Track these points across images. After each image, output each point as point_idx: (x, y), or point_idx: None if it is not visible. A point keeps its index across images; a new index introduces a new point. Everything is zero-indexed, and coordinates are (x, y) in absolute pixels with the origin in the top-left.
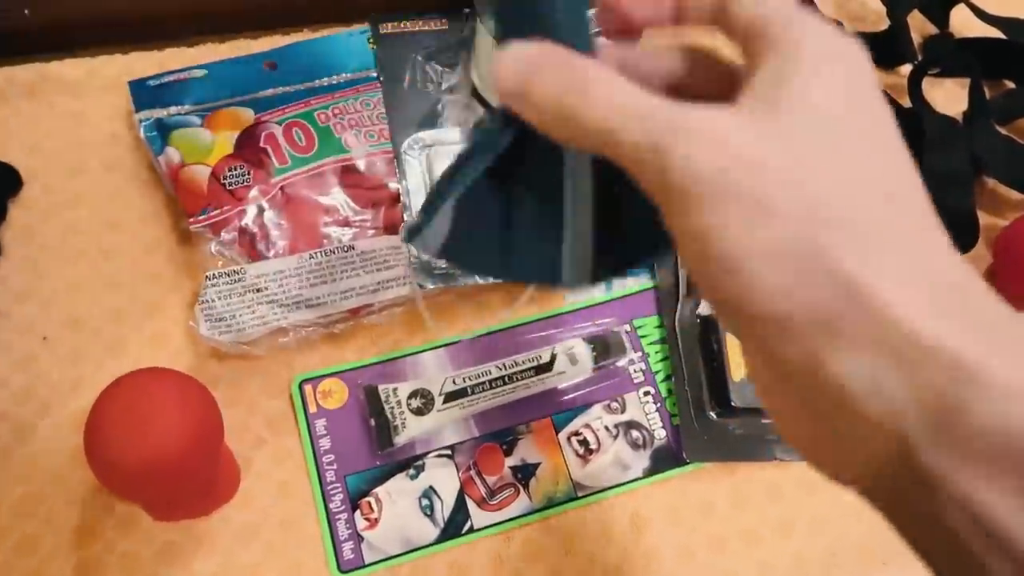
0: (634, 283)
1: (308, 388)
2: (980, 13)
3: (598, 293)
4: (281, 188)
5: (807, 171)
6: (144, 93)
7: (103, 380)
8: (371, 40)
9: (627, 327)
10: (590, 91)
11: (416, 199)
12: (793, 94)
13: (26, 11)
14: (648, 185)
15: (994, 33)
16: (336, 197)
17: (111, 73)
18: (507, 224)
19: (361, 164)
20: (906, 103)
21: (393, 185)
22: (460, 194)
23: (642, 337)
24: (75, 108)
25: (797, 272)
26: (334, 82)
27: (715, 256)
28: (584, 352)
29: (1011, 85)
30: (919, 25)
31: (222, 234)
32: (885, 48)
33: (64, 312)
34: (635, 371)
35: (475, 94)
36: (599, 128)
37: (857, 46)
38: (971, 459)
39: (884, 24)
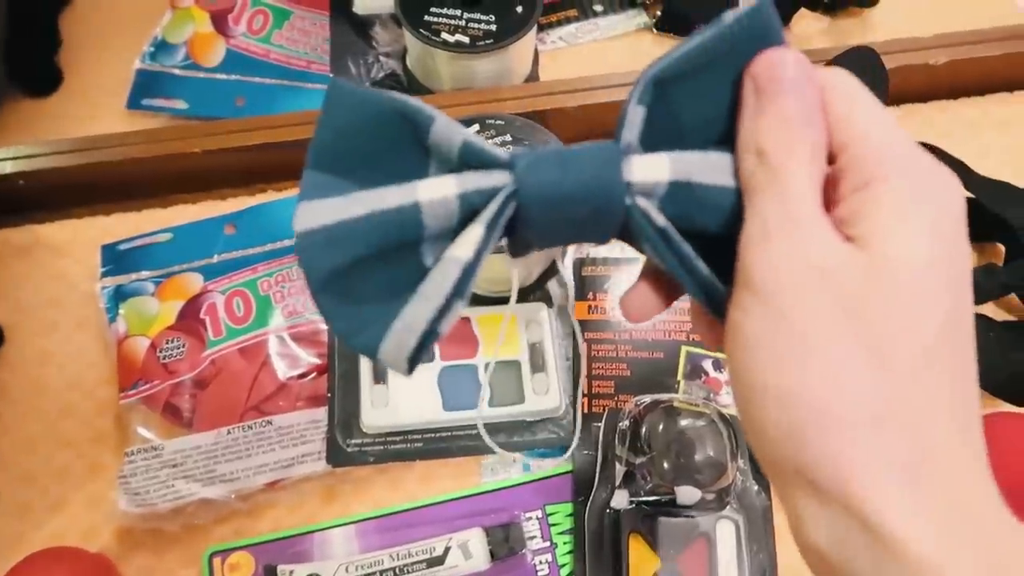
0: (552, 465)
1: (217, 561)
2: (960, 175)
3: (515, 474)
4: (212, 360)
5: (879, 311)
6: (113, 257)
7: (41, 538)
8: None
9: (539, 513)
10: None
11: (341, 369)
12: (876, 242)
13: (20, 181)
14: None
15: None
16: (265, 368)
17: (92, 234)
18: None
19: (294, 334)
20: None
21: (322, 355)
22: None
23: (553, 525)
24: (59, 268)
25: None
26: (285, 245)
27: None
28: (479, 546)
29: (1003, 248)
30: None
31: (150, 409)
32: None
33: (19, 468)
34: (540, 563)
35: None
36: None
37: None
38: None
39: None
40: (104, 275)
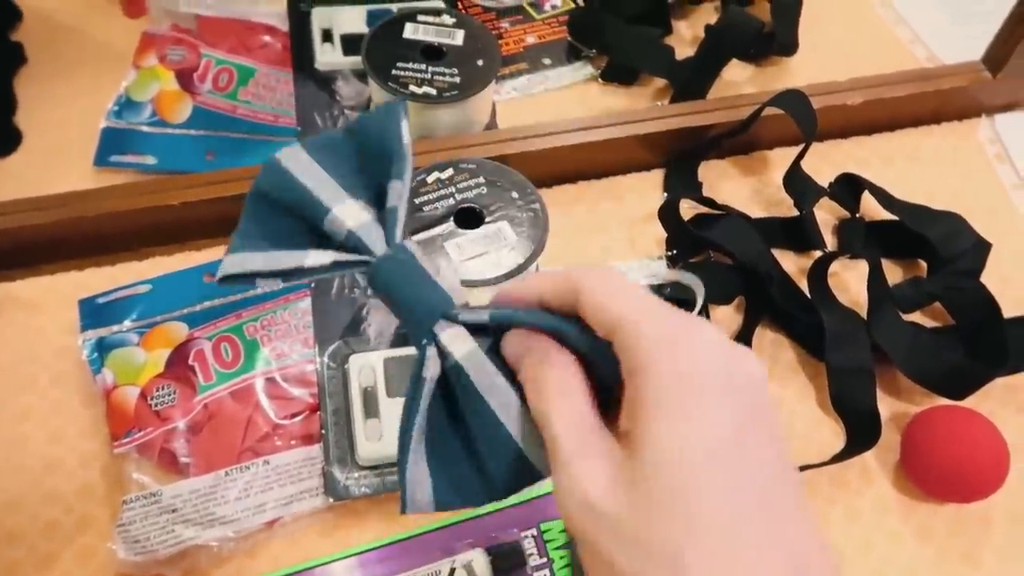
0: (546, 485)
1: None
2: (883, 201)
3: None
4: (204, 405)
5: (649, 528)
6: (92, 311)
7: None
8: None
9: (534, 531)
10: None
11: (333, 406)
12: (644, 435)
13: None
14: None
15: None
16: (257, 409)
17: (66, 290)
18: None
19: (284, 375)
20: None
21: (313, 394)
22: (424, 438)
23: (548, 542)
24: (33, 324)
25: None
26: (267, 291)
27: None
28: (483, 565)
29: (924, 264)
30: (836, 208)
31: (144, 457)
32: (797, 234)
33: (4, 527)
34: None
35: None
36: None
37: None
38: None
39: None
40: (84, 328)
